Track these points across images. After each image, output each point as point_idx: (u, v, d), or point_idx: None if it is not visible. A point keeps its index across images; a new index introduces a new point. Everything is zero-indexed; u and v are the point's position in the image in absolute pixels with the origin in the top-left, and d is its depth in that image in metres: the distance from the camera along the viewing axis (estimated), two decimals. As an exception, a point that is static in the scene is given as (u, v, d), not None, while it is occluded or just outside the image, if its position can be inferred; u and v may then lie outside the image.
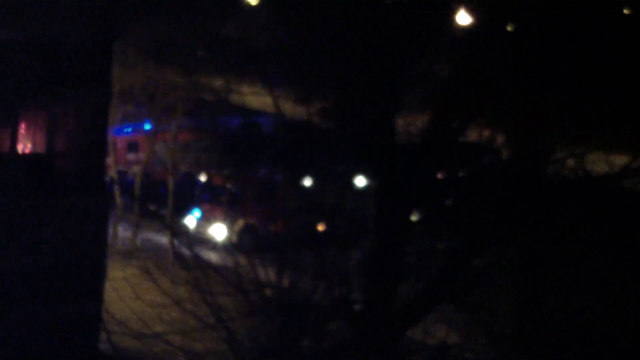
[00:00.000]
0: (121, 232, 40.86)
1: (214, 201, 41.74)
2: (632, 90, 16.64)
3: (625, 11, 17.55)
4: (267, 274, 17.28)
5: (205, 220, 41.66)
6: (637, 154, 16.58)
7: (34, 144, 26.60)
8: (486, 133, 17.35)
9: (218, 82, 36.86)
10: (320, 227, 17.64)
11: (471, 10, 17.03)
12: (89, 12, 25.64)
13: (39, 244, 26.12)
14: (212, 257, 25.21)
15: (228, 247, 30.29)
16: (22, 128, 26.57)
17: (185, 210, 41.32)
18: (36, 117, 26.45)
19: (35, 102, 26.01)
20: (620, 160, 16.99)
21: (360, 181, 19.09)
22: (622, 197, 16.62)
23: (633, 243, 16.56)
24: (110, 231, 34.57)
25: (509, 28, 16.91)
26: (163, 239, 38.80)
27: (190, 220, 41.13)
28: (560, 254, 17.00)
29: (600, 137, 17.50)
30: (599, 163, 17.24)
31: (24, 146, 26.69)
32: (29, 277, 25.85)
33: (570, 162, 16.68)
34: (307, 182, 18.27)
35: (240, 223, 40.09)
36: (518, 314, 16.67)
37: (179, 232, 35.52)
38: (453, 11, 17.50)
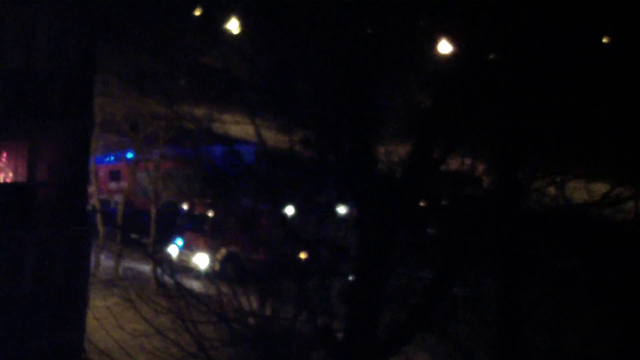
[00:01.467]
0: (103, 261, 40.75)
1: (196, 230, 41.69)
2: (613, 120, 16.76)
3: (604, 40, 17.69)
4: (249, 302, 17.29)
5: (187, 248, 41.61)
6: (617, 182, 16.69)
7: (15, 173, 26.56)
8: (467, 162, 17.44)
9: (200, 111, 36.88)
10: (303, 256, 17.66)
11: (450, 40, 17.16)
12: (70, 43, 25.70)
13: (20, 273, 26.03)
14: (195, 285, 25.21)
15: (210, 276, 30.23)
16: (3, 157, 26.54)
17: (167, 238, 41.26)
18: (17, 147, 26.42)
19: (16, 132, 26.00)
20: (600, 188, 17.09)
21: (342, 210, 19.15)
22: (601, 226, 16.68)
23: (612, 272, 16.63)
24: (93, 260, 34.46)
25: (489, 57, 17.02)
26: (145, 268, 38.71)
27: (173, 249, 41.07)
28: (540, 282, 17.05)
29: (581, 165, 17.60)
30: (580, 191, 17.34)
31: (5, 175, 26.65)
32: (9, 306, 25.74)
33: (551, 190, 16.77)
34: (290, 211, 18.30)
35: (223, 252, 40.02)
36: (499, 342, 16.69)
37: (162, 260, 35.44)
38: (433, 41, 17.63)
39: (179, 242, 40.91)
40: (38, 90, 25.52)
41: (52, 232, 26.26)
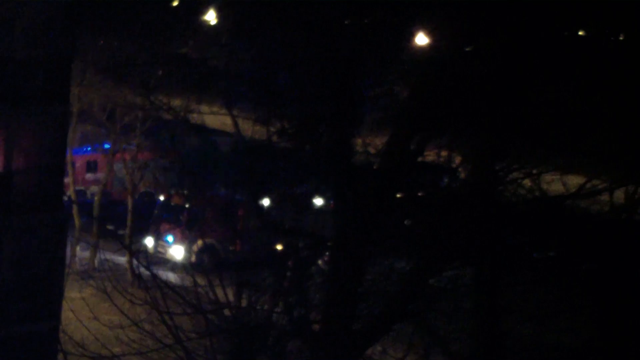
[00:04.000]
0: (79, 252, 40.65)
1: (173, 221, 41.61)
2: (588, 112, 16.82)
3: (580, 33, 17.75)
4: (225, 294, 17.27)
5: (164, 240, 41.52)
6: (592, 175, 16.77)
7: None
8: (444, 153, 17.45)
9: (177, 102, 36.81)
10: (280, 247, 17.64)
11: (429, 33, 17.16)
12: (47, 31, 25.57)
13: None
14: (171, 277, 25.14)
15: (187, 267, 30.18)
16: (-21, 147, 26.38)
17: (144, 230, 41.17)
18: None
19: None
20: (575, 180, 17.16)
21: (319, 201, 19.14)
22: (576, 218, 16.75)
23: (588, 263, 16.71)
24: (69, 251, 34.33)
25: (467, 49, 17.03)
26: (121, 259, 38.61)
27: (149, 240, 40.99)
28: (517, 275, 17.10)
29: (557, 158, 17.66)
30: (555, 183, 17.40)
31: (-19, 164, 26.48)
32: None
33: (527, 182, 16.83)
34: (267, 201, 18.28)
35: (199, 243, 39.97)
36: (475, 334, 16.74)
37: (138, 252, 35.34)
38: (412, 33, 17.62)
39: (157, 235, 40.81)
40: (15, 78, 25.38)
41: (27, 220, 26.13)
